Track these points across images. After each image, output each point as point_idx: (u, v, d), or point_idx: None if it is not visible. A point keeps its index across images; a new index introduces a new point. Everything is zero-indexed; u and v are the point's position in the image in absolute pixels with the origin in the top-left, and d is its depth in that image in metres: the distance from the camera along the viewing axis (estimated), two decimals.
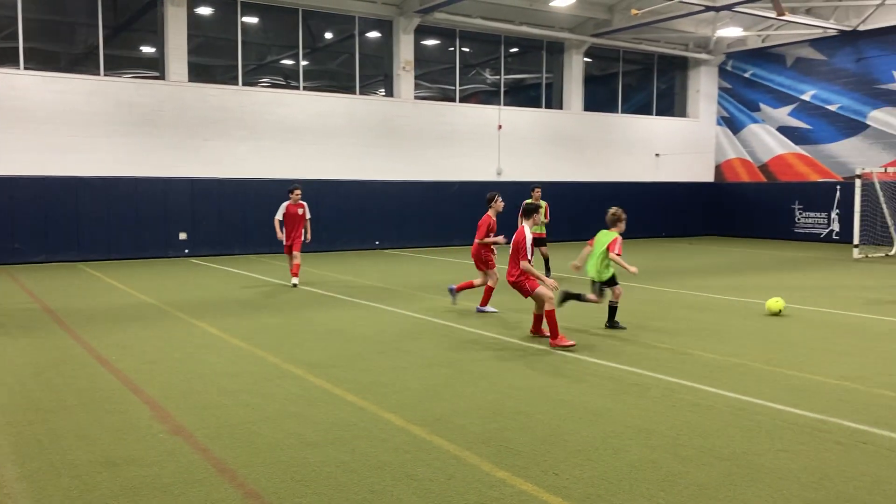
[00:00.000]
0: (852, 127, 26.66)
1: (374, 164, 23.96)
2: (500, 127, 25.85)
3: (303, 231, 14.81)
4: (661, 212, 29.27)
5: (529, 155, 26.71)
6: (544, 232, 16.52)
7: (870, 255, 21.16)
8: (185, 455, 5.31)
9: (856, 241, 21.39)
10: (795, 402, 6.65)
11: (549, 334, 9.10)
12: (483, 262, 11.82)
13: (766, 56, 29.21)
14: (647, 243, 26.35)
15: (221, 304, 12.66)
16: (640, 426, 5.97)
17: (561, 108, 27.92)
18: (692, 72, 30.81)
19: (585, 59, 28.11)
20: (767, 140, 29.44)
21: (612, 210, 10.19)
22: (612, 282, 10.02)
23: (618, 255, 9.69)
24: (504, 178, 26.09)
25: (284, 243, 14.77)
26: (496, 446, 5.48)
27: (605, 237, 9.96)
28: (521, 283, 9.32)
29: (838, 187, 26.31)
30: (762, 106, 29.52)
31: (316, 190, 22.83)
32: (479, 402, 6.66)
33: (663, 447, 5.49)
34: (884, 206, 22.27)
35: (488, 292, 11.72)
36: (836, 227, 26.48)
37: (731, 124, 30.71)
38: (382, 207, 24.01)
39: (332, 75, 24.96)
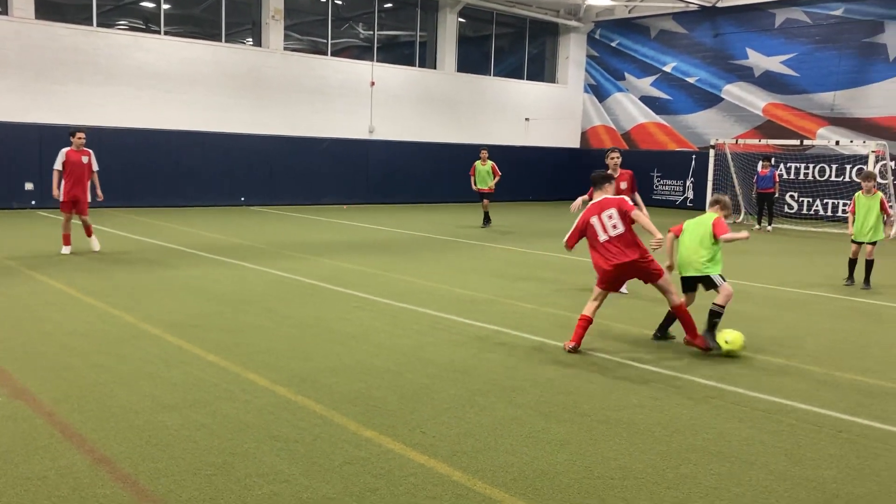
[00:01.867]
0: (708, 99, 28.08)
1: (241, 117, 23.06)
2: (372, 83, 25.46)
3: (89, 186, 12.45)
4: (529, 176, 29.87)
5: (402, 113, 26.51)
6: (491, 186, 18.66)
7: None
8: (26, 420, 4.93)
9: (708, 208, 22.65)
10: (652, 359, 6.96)
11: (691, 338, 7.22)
12: None
13: (631, 27, 30.17)
14: (516, 206, 26.89)
15: (72, 259, 11.87)
16: (506, 384, 6.06)
17: (434, 67, 27.82)
18: (562, 38, 31.41)
19: (459, 20, 28.06)
20: (630, 109, 30.56)
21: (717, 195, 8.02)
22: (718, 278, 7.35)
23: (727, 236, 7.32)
24: (376, 136, 25.81)
25: (61, 199, 12.31)
26: (364, 406, 5.42)
27: (705, 217, 7.62)
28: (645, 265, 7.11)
29: (694, 157, 27.74)
30: (627, 75, 30.55)
31: (178, 141, 21.79)
32: (347, 361, 6.57)
33: (528, 404, 5.60)
34: (734, 175, 23.69)
35: None
36: (690, 194, 27.96)
37: (598, 92, 31.63)
38: (249, 162, 23.20)
39: (196, 21, 23.71)
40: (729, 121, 27.38)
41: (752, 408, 5.69)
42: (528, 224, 20.53)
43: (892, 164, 21.78)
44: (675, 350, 7.35)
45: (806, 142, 23.34)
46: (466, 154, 26.67)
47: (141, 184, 21.37)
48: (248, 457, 4.46)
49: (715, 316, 7.20)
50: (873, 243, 11.34)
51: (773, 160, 21.68)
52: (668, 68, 29.17)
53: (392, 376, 6.16)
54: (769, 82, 26.35)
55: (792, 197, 24.97)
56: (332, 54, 25.41)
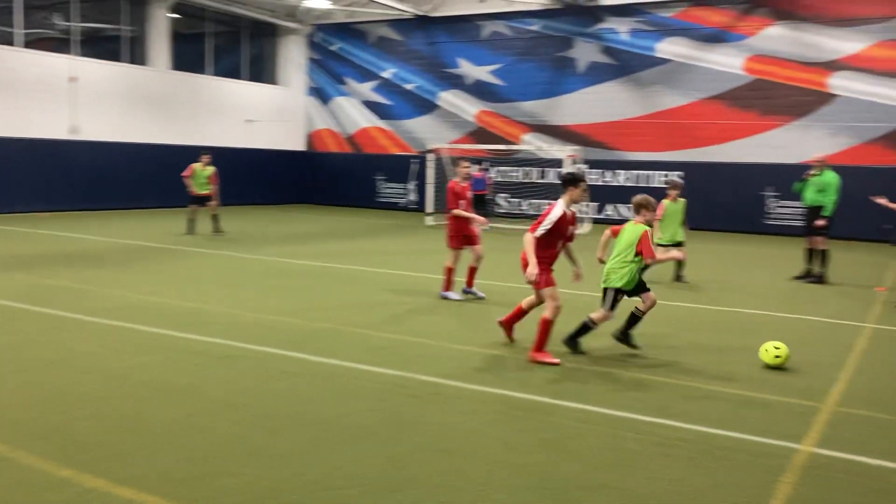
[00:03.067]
0: (425, 106, 29.30)
1: None
2: (73, 79, 23.18)
3: None
4: (254, 179, 29.07)
5: (110, 112, 24.45)
6: (209, 190, 17.69)
7: (441, 223, 23.61)
8: None
9: (429, 209, 23.68)
10: (377, 361, 6.99)
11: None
12: (457, 238, 10.66)
13: (351, 32, 30.58)
14: (242, 210, 26.01)
15: None
16: (228, 400, 5.73)
17: (145, 64, 26.02)
18: (282, 40, 30.99)
19: (172, 15, 26.51)
20: (353, 113, 30.97)
21: (639, 196, 7.54)
22: (640, 288, 7.45)
23: (653, 258, 7.27)
24: (82, 136, 23.54)
25: None
26: (60, 441, 4.79)
27: (632, 232, 7.32)
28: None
29: (413, 161, 28.77)
30: (348, 80, 30.91)
31: None
32: (42, 392, 5.80)
33: (251, 420, 5.33)
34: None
35: (471, 272, 10.65)
36: (412, 196, 28.97)
37: (321, 95, 31.65)
38: None
39: None
40: (445, 126, 28.77)
41: (473, 400, 5.92)
42: (251, 228, 19.91)
43: (586, 167, 24.25)
44: (400, 350, 7.46)
45: (512, 147, 25.25)
46: (183, 156, 25.22)
47: None
48: None
49: (585, 330, 7.38)
50: (680, 244, 12.41)
51: (482, 164, 23.14)
52: (387, 74, 29.96)
53: (97, 404, 5.55)
54: (480, 91, 28.11)
55: (503, 198, 26.86)
56: (25, 45, 22.73)
